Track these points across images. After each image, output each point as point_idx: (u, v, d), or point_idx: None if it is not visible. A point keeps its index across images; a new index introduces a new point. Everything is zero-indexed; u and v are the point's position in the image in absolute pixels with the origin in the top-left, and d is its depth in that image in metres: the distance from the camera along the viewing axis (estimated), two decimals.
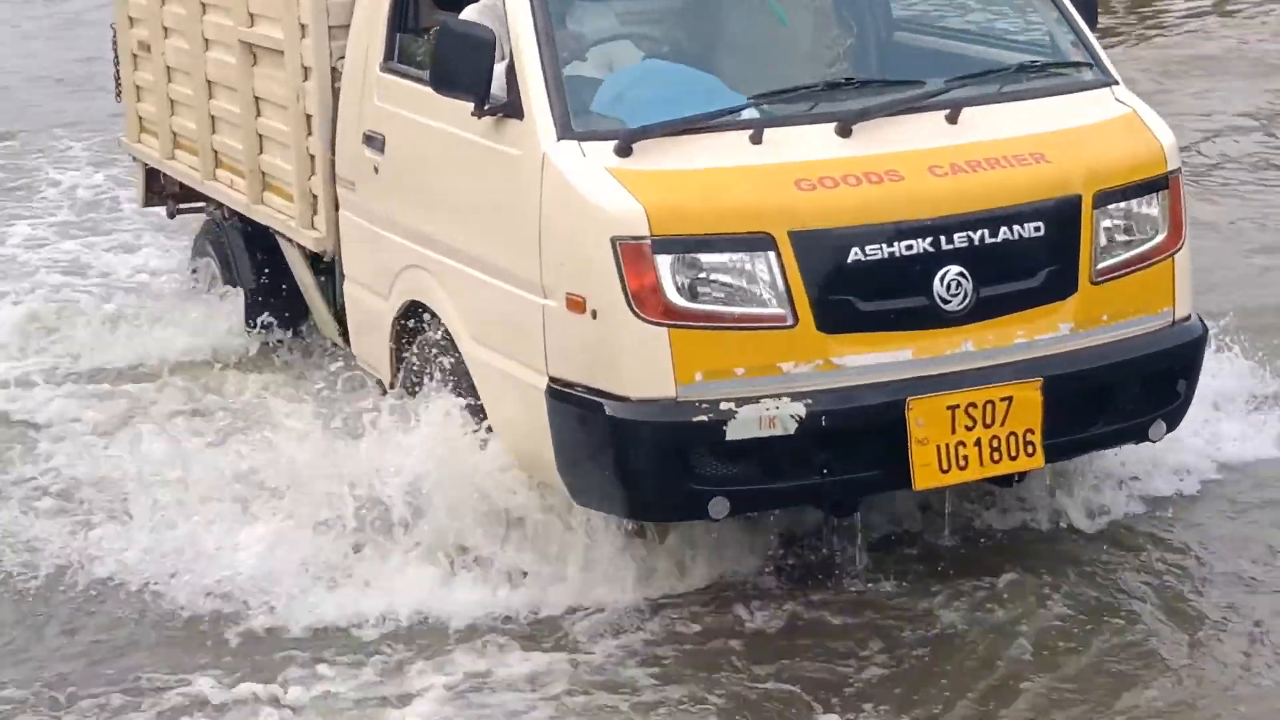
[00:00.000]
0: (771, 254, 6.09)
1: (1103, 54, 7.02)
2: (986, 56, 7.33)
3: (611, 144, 6.25)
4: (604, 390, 6.16)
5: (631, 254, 6.05)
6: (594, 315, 6.12)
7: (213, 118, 9.19)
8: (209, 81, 9.16)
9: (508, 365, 6.58)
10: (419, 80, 7.12)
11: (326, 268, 8.38)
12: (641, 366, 6.09)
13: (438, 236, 6.97)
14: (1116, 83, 6.94)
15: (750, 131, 6.33)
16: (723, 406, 6.04)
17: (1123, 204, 6.55)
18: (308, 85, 7.98)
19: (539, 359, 6.37)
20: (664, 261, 6.06)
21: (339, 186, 7.78)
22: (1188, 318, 6.72)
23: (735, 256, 6.11)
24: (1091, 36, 7.07)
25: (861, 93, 6.63)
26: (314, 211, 8.13)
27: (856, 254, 6.14)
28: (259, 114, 8.61)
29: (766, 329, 6.10)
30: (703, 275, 6.10)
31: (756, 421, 6.05)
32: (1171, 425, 6.73)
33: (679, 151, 6.26)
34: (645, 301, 6.05)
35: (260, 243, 9.11)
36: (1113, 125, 6.73)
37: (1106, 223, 6.51)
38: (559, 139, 6.29)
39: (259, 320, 9.10)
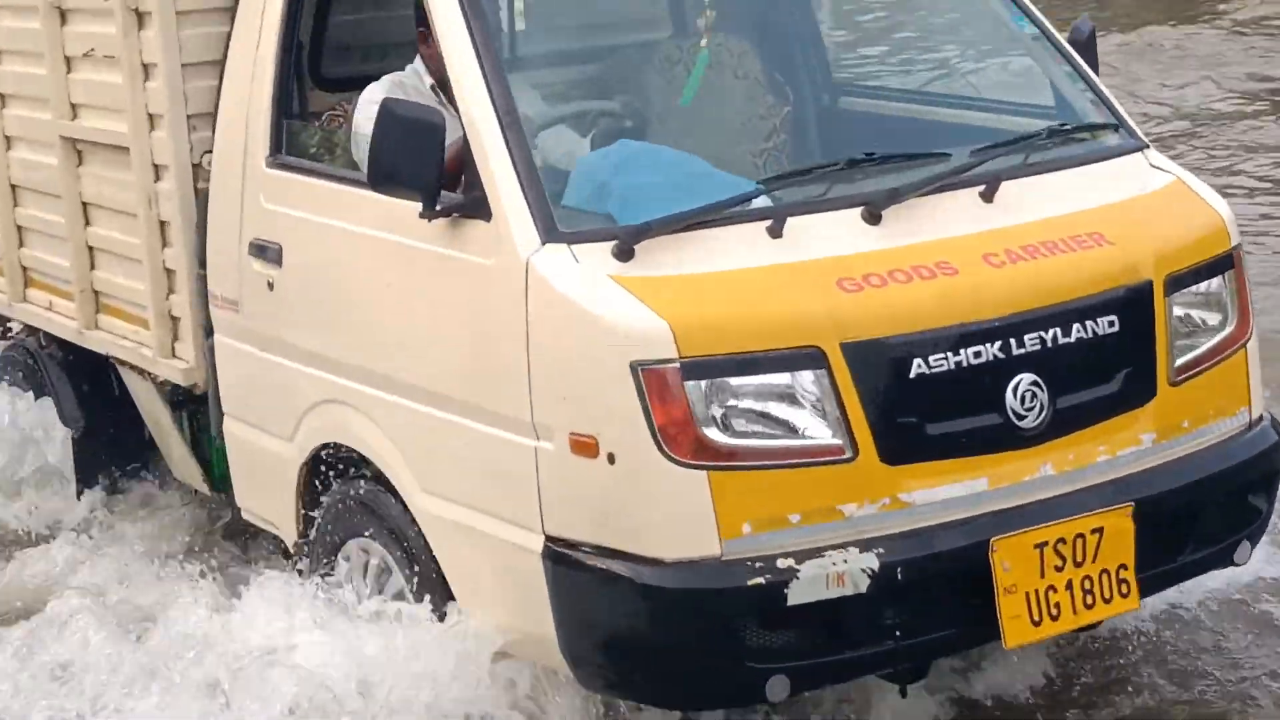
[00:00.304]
0: (822, 372, 4.98)
1: (1124, 113, 6.04)
2: (975, 122, 6.33)
3: (609, 246, 5.08)
4: (626, 551, 4.97)
5: (657, 381, 4.88)
6: (610, 460, 4.94)
7: (19, 229, 7.80)
8: (12, 186, 7.77)
9: (480, 522, 5.36)
10: (325, 176, 5.92)
11: (183, 400, 7.07)
12: (676, 520, 4.92)
13: (368, 365, 5.72)
14: (1147, 146, 5.95)
15: (768, 223, 5.21)
16: (780, 564, 4.89)
17: (1194, 288, 5.56)
18: (162, 187, 6.67)
19: (530, 514, 5.16)
20: (696, 389, 4.91)
21: (213, 306, 6.48)
22: (1261, 418, 5.74)
23: (779, 378, 4.97)
24: (1108, 92, 6.09)
25: (882, 170, 5.55)
26: (175, 337, 6.80)
27: (920, 366, 5.05)
28: (89, 223, 7.26)
29: (823, 464, 4.98)
30: (742, 403, 4.95)
31: (823, 580, 4.91)
32: (1254, 543, 5.74)
33: (688, 251, 5.12)
34: (676, 439, 4.89)
35: (87, 373, 7.73)
36: (1163, 196, 5.75)
37: (1179, 311, 5.51)
38: (544, 243, 5.10)
39: (93, 474, 7.73)
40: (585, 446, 4.97)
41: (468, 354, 5.32)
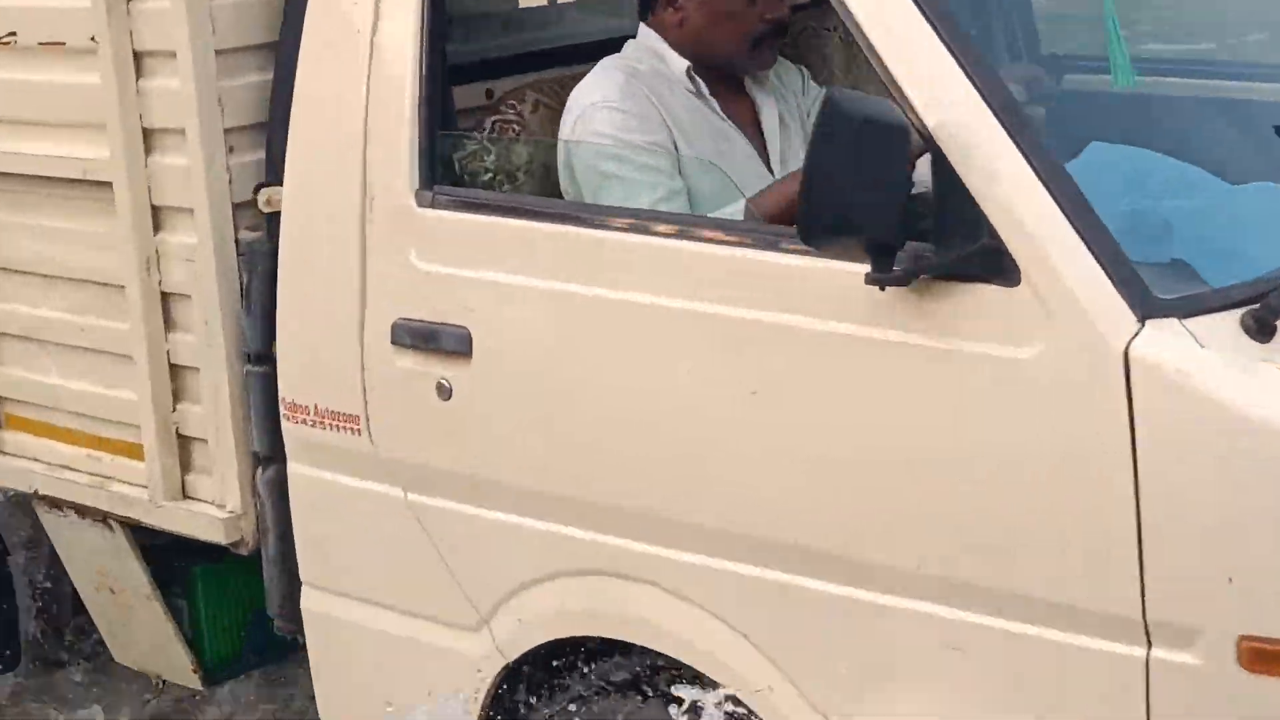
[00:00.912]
0: None
1: None
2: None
3: (1230, 317, 3.10)
4: None
5: None
6: None
7: None
8: None
9: None
10: (566, 218, 3.74)
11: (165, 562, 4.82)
12: None
13: (700, 520, 3.58)
14: None
15: None
16: None
17: None
18: (170, 240, 4.35)
19: None
20: None
21: (289, 423, 4.19)
22: None
23: None
24: None
25: None
26: (187, 469, 4.48)
27: None
28: None
29: None
30: None
31: None
32: None
33: None
34: None
35: None
36: None
37: None
38: (1142, 320, 3.08)
39: None
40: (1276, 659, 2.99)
41: (964, 505, 3.25)
